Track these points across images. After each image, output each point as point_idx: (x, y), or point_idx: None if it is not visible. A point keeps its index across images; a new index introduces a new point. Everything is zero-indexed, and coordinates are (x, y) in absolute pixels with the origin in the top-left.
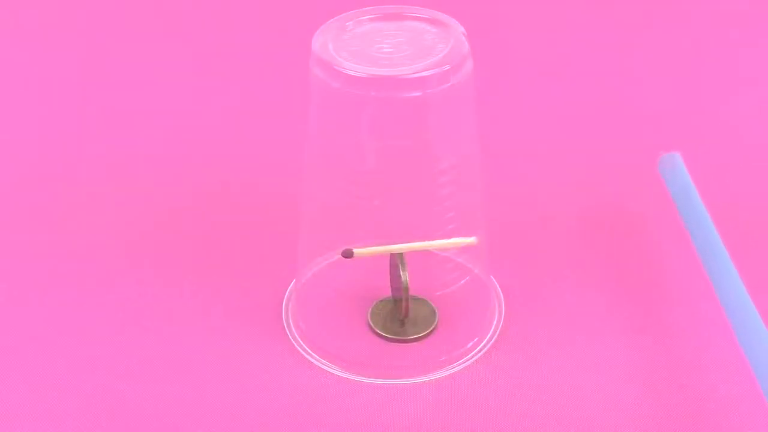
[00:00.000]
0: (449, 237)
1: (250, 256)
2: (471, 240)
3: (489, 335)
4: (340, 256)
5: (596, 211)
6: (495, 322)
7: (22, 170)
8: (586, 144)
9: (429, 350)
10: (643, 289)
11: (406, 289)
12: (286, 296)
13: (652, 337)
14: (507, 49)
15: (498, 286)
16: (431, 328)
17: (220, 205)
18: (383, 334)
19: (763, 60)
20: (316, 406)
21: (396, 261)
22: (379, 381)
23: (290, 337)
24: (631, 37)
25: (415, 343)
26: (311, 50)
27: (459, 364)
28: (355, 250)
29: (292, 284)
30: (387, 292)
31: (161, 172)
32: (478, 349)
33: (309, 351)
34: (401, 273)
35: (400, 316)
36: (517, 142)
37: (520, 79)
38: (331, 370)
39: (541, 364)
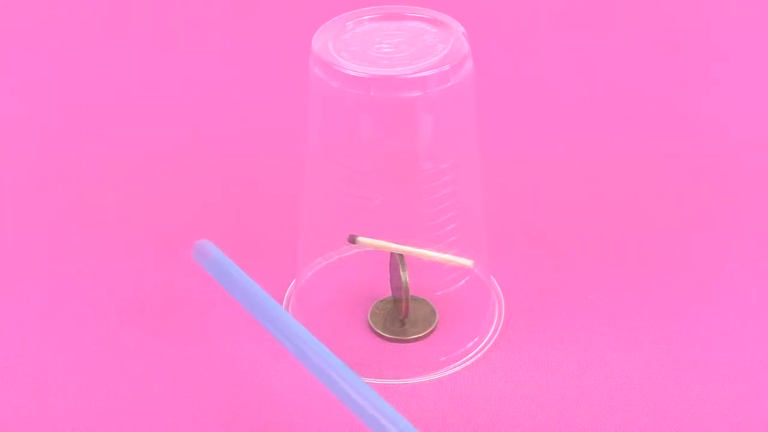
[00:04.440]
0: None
1: (250, 256)
2: (468, 262)
3: (489, 335)
4: (340, 255)
5: (596, 211)
6: (495, 322)
7: (23, 169)
8: (586, 144)
9: (429, 350)
10: (643, 288)
11: (406, 289)
12: (286, 296)
13: (652, 337)
14: (507, 49)
15: (498, 286)
16: (431, 328)
17: (220, 204)
18: (383, 334)
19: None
20: (316, 406)
21: (396, 261)
22: (379, 381)
23: None
24: (631, 37)
25: (415, 343)
26: (311, 50)
27: (459, 364)
28: (359, 238)
29: (292, 284)
30: (387, 292)
31: (161, 172)
32: (478, 349)
33: None
34: (401, 273)
35: (400, 316)
36: (517, 142)
37: (520, 78)
38: None
39: (541, 364)
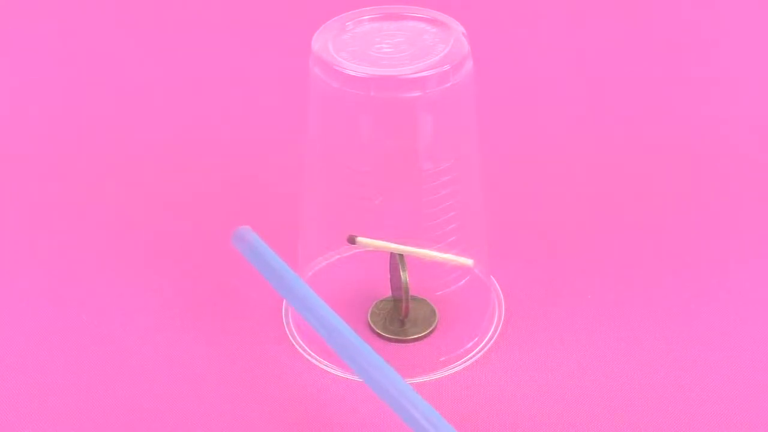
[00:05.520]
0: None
1: None
2: (469, 262)
3: (489, 335)
4: (340, 255)
5: (596, 211)
6: (495, 322)
7: (23, 169)
8: (586, 143)
9: (429, 350)
10: (643, 288)
11: (406, 289)
12: None
13: (652, 336)
14: (507, 49)
15: (498, 286)
16: (431, 328)
17: (220, 204)
18: (383, 334)
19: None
20: (316, 406)
21: (396, 261)
22: None
23: (290, 337)
24: (631, 37)
25: (415, 343)
26: (311, 50)
27: (459, 364)
28: (359, 239)
29: None
30: (387, 292)
31: (162, 172)
32: (478, 349)
33: (309, 351)
34: (401, 273)
35: (400, 316)
36: (517, 142)
37: (520, 79)
38: (331, 370)
39: (541, 364)
